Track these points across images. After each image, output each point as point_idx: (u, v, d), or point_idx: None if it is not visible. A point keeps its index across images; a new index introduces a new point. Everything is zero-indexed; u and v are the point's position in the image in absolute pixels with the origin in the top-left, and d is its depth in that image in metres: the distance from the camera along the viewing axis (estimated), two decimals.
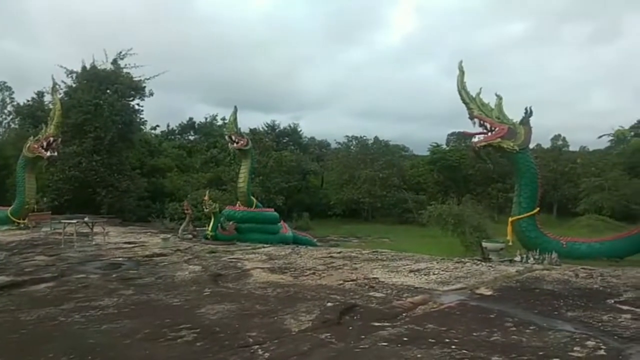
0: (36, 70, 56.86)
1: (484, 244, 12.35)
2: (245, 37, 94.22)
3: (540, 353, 3.76)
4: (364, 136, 46.92)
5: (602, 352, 3.81)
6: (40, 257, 9.78)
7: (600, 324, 4.65)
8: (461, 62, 13.73)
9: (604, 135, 43.54)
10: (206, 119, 48.91)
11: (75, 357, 3.78)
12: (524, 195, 13.35)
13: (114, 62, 28.92)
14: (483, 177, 40.27)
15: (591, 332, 4.35)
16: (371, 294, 6.14)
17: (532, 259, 10.51)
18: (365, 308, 5.33)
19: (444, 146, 47.23)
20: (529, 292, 6.33)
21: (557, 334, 4.30)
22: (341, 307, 5.33)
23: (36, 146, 18.41)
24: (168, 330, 4.45)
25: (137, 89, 29.12)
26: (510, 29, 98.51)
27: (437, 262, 9.04)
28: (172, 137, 47.65)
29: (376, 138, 46.14)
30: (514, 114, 13.45)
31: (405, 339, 4.15)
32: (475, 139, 13.74)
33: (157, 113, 62.44)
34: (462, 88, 13.55)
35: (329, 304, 5.47)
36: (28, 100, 34.14)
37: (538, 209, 13.51)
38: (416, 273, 7.82)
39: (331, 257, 9.89)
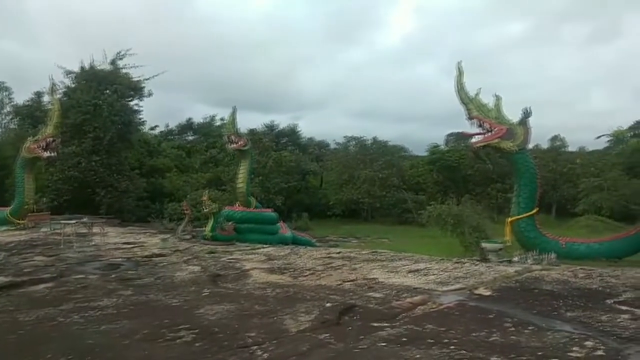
0: (35, 71, 56.77)
1: (483, 245, 12.37)
2: (245, 37, 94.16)
3: (539, 353, 3.76)
4: (363, 136, 46.93)
5: (600, 352, 3.81)
6: (39, 257, 9.77)
7: (599, 324, 4.65)
8: (460, 62, 13.77)
9: (603, 135, 43.60)
10: (205, 119, 48.94)
11: (74, 357, 3.78)
12: (523, 196, 13.38)
13: (113, 62, 28.92)
14: (482, 178, 40.28)
15: (590, 333, 4.35)
16: (370, 294, 6.13)
17: (531, 259, 10.53)
18: (364, 308, 5.33)
19: (443, 146, 47.22)
20: (528, 292, 6.33)
21: (556, 334, 4.31)
22: (340, 307, 5.33)
23: (35, 146, 18.40)
24: (167, 331, 4.44)
25: (136, 89, 29.11)
26: (509, 29, 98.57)
27: (436, 263, 9.04)
28: (171, 137, 47.61)
29: (375, 138, 46.15)
30: (513, 115, 13.49)
31: (404, 339, 4.15)
32: (474, 140, 13.77)
33: (156, 113, 62.35)
34: (460, 89, 13.58)
35: (328, 305, 5.47)
36: (27, 101, 34.14)
37: (537, 209, 13.54)
38: (415, 273, 7.82)
39: (330, 257, 9.88)
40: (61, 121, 20.07)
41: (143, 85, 29.21)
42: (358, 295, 6.02)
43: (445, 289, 6.55)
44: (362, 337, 4.22)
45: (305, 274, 7.73)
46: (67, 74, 28.59)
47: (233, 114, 18.66)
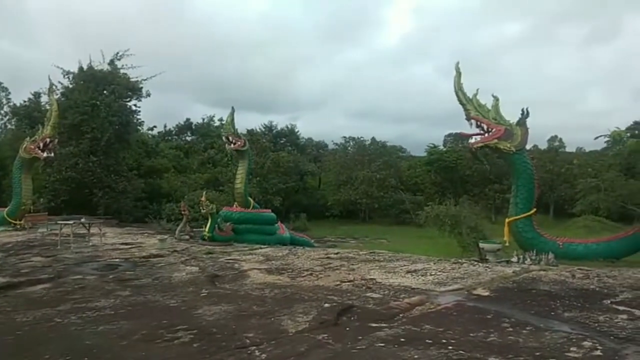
0: (33, 71, 56.77)
1: (481, 245, 12.36)
2: (243, 38, 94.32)
3: (537, 354, 3.76)
4: (361, 137, 47.06)
5: (598, 352, 3.82)
6: (36, 258, 9.76)
7: (596, 325, 4.66)
8: (458, 63, 13.78)
9: (601, 136, 43.44)
10: (203, 119, 48.96)
11: (71, 358, 3.77)
12: (521, 196, 13.39)
13: (111, 62, 28.91)
14: (480, 178, 40.36)
15: (588, 333, 4.36)
16: (368, 294, 6.14)
17: (528, 259, 10.53)
18: (362, 309, 5.33)
19: (441, 147, 47.31)
20: (526, 292, 6.34)
21: (554, 334, 4.31)
22: (338, 308, 5.33)
23: (33, 147, 18.36)
24: (165, 332, 4.44)
25: (134, 90, 29.09)
26: (507, 29, 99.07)
27: (434, 263, 9.04)
28: (169, 137, 47.61)
29: (373, 139, 46.27)
30: (511, 115, 13.51)
31: (402, 339, 4.15)
32: (472, 140, 13.78)
33: (154, 114, 62.52)
34: (459, 89, 13.59)
35: (326, 305, 5.47)
36: (25, 101, 34.07)
37: (535, 209, 13.55)
38: (413, 274, 7.82)
39: (328, 258, 9.88)
40: (59, 122, 20.03)
41: (141, 85, 29.23)
42: (356, 296, 6.02)
43: (443, 289, 6.55)
44: (360, 337, 4.22)
45: (304, 275, 7.72)
46: (65, 75, 28.60)
47: (231, 114, 18.65)
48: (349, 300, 5.78)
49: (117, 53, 28.93)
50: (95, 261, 9.41)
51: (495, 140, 13.09)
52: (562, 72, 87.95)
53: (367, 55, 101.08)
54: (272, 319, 4.91)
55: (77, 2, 77.09)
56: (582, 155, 45.84)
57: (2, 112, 38.76)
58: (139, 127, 33.26)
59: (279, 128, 49.44)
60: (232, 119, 18.52)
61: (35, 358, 3.80)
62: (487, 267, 8.85)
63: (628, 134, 42.02)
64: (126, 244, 12.75)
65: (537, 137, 43.50)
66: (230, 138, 18.02)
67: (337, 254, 10.72)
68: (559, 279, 7.34)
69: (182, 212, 17.23)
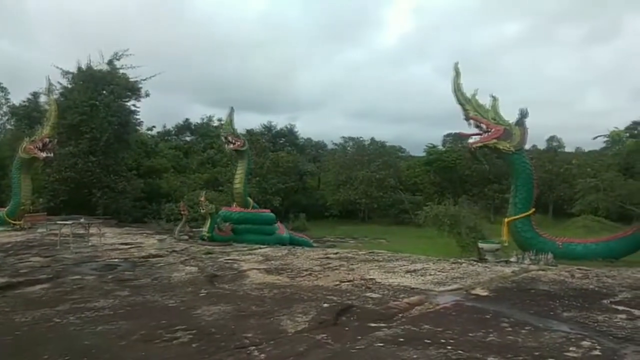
0: (32, 71, 56.74)
1: (480, 245, 12.38)
2: (242, 38, 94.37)
3: (536, 353, 3.76)
4: (361, 137, 47.08)
5: (597, 352, 3.82)
6: (35, 258, 9.75)
7: (595, 324, 4.66)
8: (457, 63, 13.80)
9: (599, 136, 43.43)
10: (202, 119, 49.01)
11: (70, 358, 3.77)
12: (520, 196, 13.41)
13: (110, 62, 28.92)
14: (479, 178, 40.40)
15: (587, 333, 4.36)
16: (367, 294, 6.13)
17: (528, 259, 10.55)
18: (361, 309, 5.33)
19: (440, 147, 47.34)
20: (525, 292, 6.34)
21: (553, 334, 4.31)
22: (337, 307, 5.33)
23: (32, 147, 18.36)
24: (164, 332, 4.44)
25: (133, 90, 29.11)
26: (506, 30, 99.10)
27: (434, 263, 9.05)
28: (169, 137, 47.60)
29: (372, 139, 46.29)
30: (510, 115, 13.53)
31: (401, 339, 4.15)
32: (471, 140, 13.80)
33: (153, 114, 62.45)
34: (457, 89, 13.61)
35: (326, 305, 5.46)
36: (24, 101, 34.06)
37: (534, 209, 13.58)
38: (412, 274, 7.82)
39: (328, 258, 9.88)
40: (58, 122, 20.03)
41: (140, 85, 29.27)
42: (355, 296, 6.02)
43: (442, 289, 6.55)
44: (359, 337, 4.22)
45: (303, 275, 7.72)
46: (64, 75, 28.61)
47: (231, 114, 18.66)
48: (348, 300, 5.78)
49: (116, 53, 28.97)
50: (94, 261, 9.40)
51: (494, 140, 13.11)
52: (561, 72, 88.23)
53: (366, 55, 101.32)
54: (271, 319, 4.91)
55: (76, 2, 77.11)
56: (581, 155, 45.83)
57: (1, 112, 38.76)
58: (138, 127, 33.28)
59: (278, 128, 49.52)
60: (231, 119, 18.53)
61: (34, 358, 3.79)
62: (486, 267, 8.85)
63: (627, 134, 42.03)
64: (125, 244, 12.74)
65: (536, 137, 43.63)
66: (230, 138, 18.02)
67: (336, 254, 10.72)
68: (558, 278, 7.34)
69: (182, 212, 17.25)
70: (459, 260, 9.84)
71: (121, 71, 29.06)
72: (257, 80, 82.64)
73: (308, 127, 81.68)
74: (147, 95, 29.88)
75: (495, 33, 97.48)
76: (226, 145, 18.51)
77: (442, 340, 4.10)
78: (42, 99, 31.34)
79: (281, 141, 48.51)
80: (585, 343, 4.03)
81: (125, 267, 8.72)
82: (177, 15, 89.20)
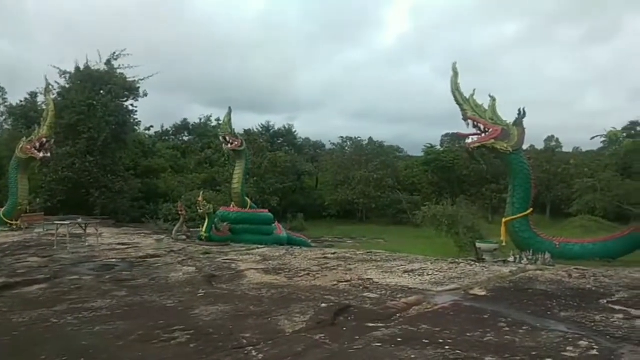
0: (31, 71, 56.63)
1: (478, 245, 12.38)
2: (240, 37, 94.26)
3: (534, 353, 3.77)
4: (359, 137, 47.10)
5: (594, 352, 3.83)
6: (33, 258, 9.73)
7: (593, 324, 4.67)
8: (455, 63, 13.79)
9: (597, 136, 43.72)
10: (200, 119, 48.97)
11: (68, 359, 3.76)
12: (518, 196, 13.41)
13: (108, 62, 28.91)
14: (477, 178, 40.46)
15: (584, 332, 4.37)
16: (365, 294, 6.14)
17: (525, 259, 10.56)
18: (359, 309, 5.34)
19: (438, 147, 47.40)
20: (523, 292, 6.35)
21: (550, 334, 4.32)
22: (335, 308, 5.33)
23: (29, 147, 18.32)
24: (161, 332, 4.43)
25: (131, 90, 29.09)
26: (504, 30, 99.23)
27: (431, 263, 9.06)
28: (166, 137, 47.56)
29: (370, 139, 46.31)
30: (508, 115, 13.54)
31: (399, 339, 4.16)
32: (469, 140, 13.79)
33: (151, 114, 62.43)
34: (456, 89, 13.61)
35: (323, 305, 5.47)
36: (21, 101, 34.03)
37: (531, 209, 13.58)
38: (410, 274, 7.83)
39: (325, 258, 9.88)
40: (55, 122, 20.01)
41: (138, 85, 29.25)
42: (353, 296, 6.02)
43: (440, 289, 6.56)
44: (357, 337, 4.22)
45: (301, 275, 7.72)
46: (61, 74, 28.58)
47: (229, 114, 18.64)
48: (346, 300, 5.78)
49: (114, 53, 28.96)
50: (91, 261, 9.38)
51: (492, 141, 13.11)
52: (560, 72, 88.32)
53: (365, 55, 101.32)
54: (269, 319, 4.90)
55: (76, 2, 76.97)
56: (578, 155, 45.97)
57: None
58: (135, 127, 33.27)
59: (276, 128, 49.51)
60: (229, 119, 18.51)
61: (32, 358, 3.79)
62: (484, 267, 8.86)
63: (624, 134, 42.22)
64: (123, 244, 12.73)
65: (534, 137, 43.63)
66: (228, 138, 18.00)
67: (334, 254, 10.73)
68: (556, 278, 7.36)
69: (179, 212, 17.21)
70: (457, 260, 9.85)
71: (119, 71, 29.07)
72: (255, 80, 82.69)
73: (306, 127, 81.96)
74: (145, 95, 29.93)
75: (494, 33, 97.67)
76: (224, 145, 18.48)
77: (440, 340, 4.10)
78: (40, 98, 31.33)
79: (279, 141, 48.52)
80: (583, 343, 4.03)
81: (122, 267, 8.71)
82: (176, 15, 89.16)
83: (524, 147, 14.31)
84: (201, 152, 41.47)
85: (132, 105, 29.86)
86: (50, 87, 23.44)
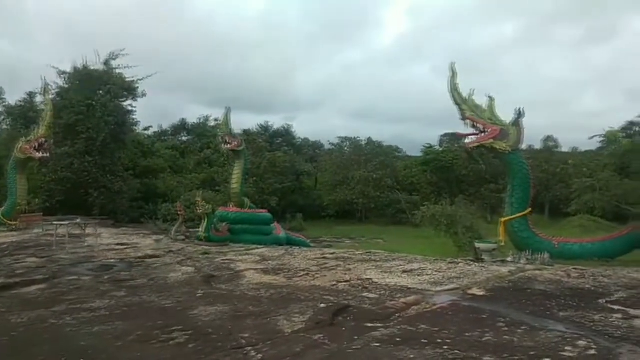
0: (28, 71, 56.52)
1: (477, 245, 12.40)
2: (239, 37, 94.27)
3: (532, 353, 3.77)
4: (358, 137, 47.05)
5: (593, 351, 3.83)
6: (31, 259, 9.72)
7: (591, 324, 4.67)
8: (453, 63, 13.82)
9: (595, 136, 43.76)
10: (199, 119, 48.87)
11: (66, 359, 3.76)
12: (516, 196, 13.44)
13: (106, 62, 28.84)
14: (476, 178, 40.44)
15: (582, 332, 4.37)
16: (364, 294, 6.14)
17: (524, 259, 10.57)
18: (358, 309, 5.34)
19: (437, 147, 47.36)
20: (521, 292, 6.36)
21: (549, 334, 4.32)
22: (334, 308, 5.33)
23: (28, 147, 18.31)
24: (160, 332, 4.43)
25: (130, 90, 29.04)
26: (502, 30, 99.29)
27: (430, 263, 9.06)
28: (165, 138, 47.48)
29: (369, 139, 46.26)
30: (506, 115, 13.56)
31: (398, 339, 4.16)
32: (468, 140, 13.83)
33: (149, 114, 62.48)
34: (454, 89, 13.63)
35: (322, 305, 5.47)
36: (19, 101, 33.91)
37: (530, 209, 13.61)
38: (409, 274, 7.83)
39: (325, 258, 9.88)
40: (54, 122, 20.00)
41: (137, 85, 29.17)
42: (352, 296, 6.02)
43: (439, 289, 6.56)
44: (356, 337, 4.22)
45: (300, 275, 7.72)
46: (60, 74, 28.50)
47: (227, 114, 18.64)
48: (345, 300, 5.78)
49: (112, 53, 28.88)
50: (90, 262, 9.38)
51: (491, 140, 13.14)
52: (558, 73, 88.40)
53: (364, 55, 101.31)
54: (268, 319, 4.90)
55: (76, 2, 76.88)
56: (577, 155, 45.98)
57: None
58: (134, 127, 33.22)
59: (275, 128, 49.48)
60: (228, 119, 18.51)
61: (30, 359, 3.78)
62: (483, 266, 8.86)
63: (622, 134, 42.27)
64: (122, 244, 12.71)
65: (532, 137, 43.56)
66: (226, 138, 18.01)
67: (333, 254, 10.72)
68: (555, 278, 7.36)
69: (178, 213, 17.21)
70: (456, 260, 9.85)
71: (117, 71, 29.00)
72: (254, 80, 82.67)
73: (306, 127, 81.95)
74: (144, 95, 29.86)
75: (492, 33, 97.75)
76: (223, 146, 18.50)
77: (439, 340, 4.10)
78: (38, 98, 31.24)
79: (278, 141, 48.48)
80: (581, 342, 4.04)
81: (121, 267, 8.71)
82: (176, 15, 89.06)
83: (523, 146, 14.35)
84: (200, 152, 41.43)
85: (130, 105, 29.86)
86: (49, 87, 23.46)
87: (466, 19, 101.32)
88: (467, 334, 4.30)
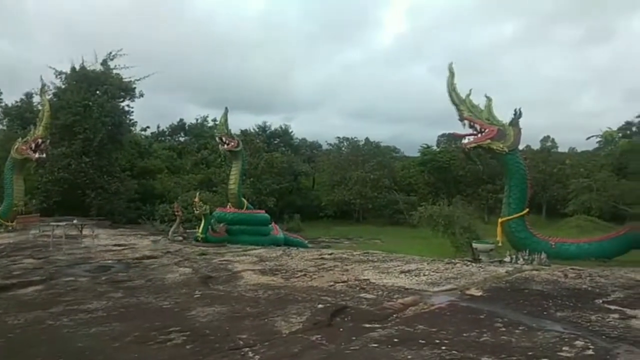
0: (25, 71, 56.39)
1: (474, 245, 12.44)
2: (237, 38, 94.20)
3: (530, 353, 3.78)
4: (355, 137, 47.10)
5: (590, 352, 3.84)
6: (28, 260, 9.69)
7: (588, 324, 4.68)
8: (451, 63, 13.85)
9: (593, 136, 43.98)
10: (197, 120, 48.86)
11: None
12: (514, 196, 13.46)
13: (104, 63, 28.80)
14: (473, 178, 40.52)
15: (580, 332, 4.38)
16: (362, 295, 6.14)
17: (521, 259, 10.60)
18: (356, 309, 5.33)
19: (435, 147, 47.43)
20: (519, 292, 6.37)
21: (546, 334, 4.33)
22: (332, 308, 5.33)
23: (24, 148, 18.26)
24: (157, 333, 4.42)
25: (127, 90, 29.02)
26: (501, 30, 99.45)
27: (428, 263, 9.06)
28: (163, 138, 47.44)
29: (367, 139, 46.33)
30: (504, 115, 13.59)
31: (395, 340, 4.16)
32: (466, 141, 13.84)
33: (147, 114, 62.29)
34: (452, 90, 13.65)
35: (320, 306, 5.46)
36: (16, 101, 33.86)
37: (527, 209, 13.63)
38: (407, 274, 7.83)
39: (322, 258, 9.88)
40: (51, 122, 19.94)
41: (134, 86, 29.17)
42: (350, 297, 6.02)
43: (436, 289, 6.56)
44: (353, 338, 4.22)
45: (297, 276, 7.72)
46: (57, 75, 28.48)
47: (225, 114, 18.61)
48: (343, 301, 5.78)
49: (110, 53, 28.87)
50: (87, 263, 9.35)
51: (488, 141, 13.16)
52: (557, 73, 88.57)
53: (363, 55, 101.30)
54: (266, 320, 4.90)
55: (75, 2, 76.71)
56: (574, 155, 46.16)
57: None
58: (132, 128, 33.19)
59: (272, 128, 49.46)
60: (226, 120, 18.48)
61: None
62: (480, 267, 8.87)
63: (620, 135, 42.45)
64: (119, 245, 12.69)
65: (530, 137, 43.72)
66: (224, 139, 17.98)
67: (330, 254, 10.72)
68: (552, 278, 7.37)
69: (176, 213, 17.18)
70: (453, 261, 9.86)
71: (115, 71, 28.99)
72: (252, 81, 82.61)
73: (303, 128, 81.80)
74: (141, 95, 29.88)
75: (491, 33, 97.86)
76: (220, 146, 18.46)
77: (437, 341, 4.10)
78: (35, 99, 31.20)
79: (276, 141, 48.49)
80: (579, 343, 4.04)
81: (118, 268, 8.69)
82: (176, 15, 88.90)
83: (520, 147, 14.37)
84: (197, 153, 41.40)
85: (128, 105, 29.84)
86: (46, 87, 23.42)
87: (466, 19, 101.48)
88: (464, 335, 4.30)
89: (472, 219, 20.97)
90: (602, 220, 29.11)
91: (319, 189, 44.29)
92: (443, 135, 47.62)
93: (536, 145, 45.01)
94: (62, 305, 5.65)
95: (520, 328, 4.52)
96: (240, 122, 59.59)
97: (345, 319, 4.94)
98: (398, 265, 8.79)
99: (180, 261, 9.63)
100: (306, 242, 20.09)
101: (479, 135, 13.35)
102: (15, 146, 18.56)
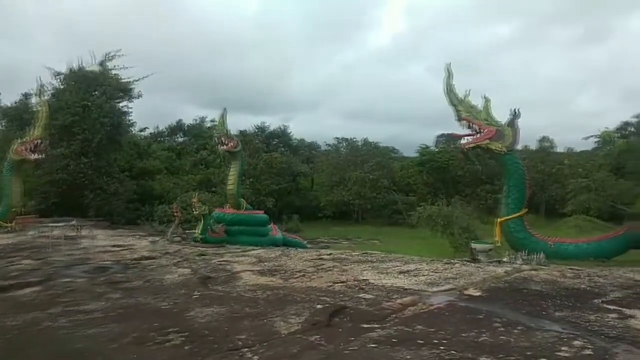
0: (23, 72, 56.18)
1: (473, 245, 12.41)
2: (235, 38, 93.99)
3: (529, 353, 3.78)
4: (354, 138, 47.06)
5: (589, 352, 3.85)
6: (26, 261, 9.68)
7: (587, 324, 4.69)
8: (449, 64, 13.84)
9: (591, 136, 44.00)
10: (195, 120, 48.77)
11: None
12: (512, 197, 13.47)
13: (102, 63, 28.76)
14: (472, 179, 40.52)
15: (578, 332, 4.39)
16: (361, 295, 6.14)
17: (520, 259, 10.59)
18: (355, 310, 5.34)
19: (433, 148, 47.41)
20: (518, 292, 6.37)
21: (545, 334, 4.34)
22: (331, 309, 5.33)
23: (23, 149, 18.24)
24: (156, 335, 4.42)
25: (126, 91, 28.98)
26: (499, 30, 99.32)
27: (427, 264, 9.07)
28: (162, 139, 47.36)
29: (366, 140, 46.26)
30: (502, 116, 13.60)
31: (394, 340, 4.16)
32: (464, 141, 13.85)
33: (146, 115, 62.07)
34: (450, 90, 13.65)
35: (319, 307, 5.46)
36: (15, 102, 33.74)
37: (526, 210, 13.64)
38: (406, 274, 7.84)
39: (321, 259, 9.88)
40: (49, 123, 19.92)
41: (133, 86, 29.10)
42: (349, 297, 6.02)
43: (435, 289, 6.57)
44: (352, 338, 4.22)
45: (296, 276, 7.72)
46: (55, 76, 28.40)
47: (224, 115, 18.60)
48: (342, 301, 5.78)
49: (108, 54, 28.81)
50: (86, 264, 9.34)
51: (487, 141, 13.17)
52: (555, 73, 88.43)
53: (360, 55, 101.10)
54: (265, 320, 4.90)
55: (75, 1, 76.56)
56: (572, 155, 46.12)
57: None
58: (130, 129, 33.10)
59: (271, 129, 49.39)
60: (225, 120, 18.46)
61: None
62: (479, 267, 8.88)
63: (618, 135, 42.50)
64: (118, 246, 12.67)
65: (528, 137, 43.67)
66: (223, 139, 17.96)
67: (330, 255, 10.72)
68: (550, 279, 7.38)
69: (175, 214, 17.17)
70: (452, 261, 9.88)
71: (113, 72, 28.94)
72: (251, 81, 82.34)
73: (302, 128, 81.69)
74: (140, 96, 29.78)
75: (489, 33, 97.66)
76: (219, 147, 18.44)
77: (435, 341, 4.11)
78: (34, 100, 31.09)
79: (275, 142, 48.43)
80: (577, 343, 4.05)
81: (117, 269, 8.68)
82: (175, 15, 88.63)
83: (518, 147, 14.38)
84: (196, 154, 41.35)
85: (126, 106, 29.78)
86: (44, 88, 23.34)
87: (464, 19, 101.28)
88: (463, 335, 4.30)
89: (471, 219, 20.93)
90: (601, 221, 29.10)
91: (318, 190, 44.23)
92: (442, 135, 47.56)
93: (535, 146, 45.06)
94: (60, 306, 5.64)
95: (519, 328, 4.52)
96: (239, 122, 59.47)
97: (345, 320, 4.94)
98: (397, 266, 8.80)
99: (179, 262, 9.62)
100: (305, 242, 20.07)
101: (478, 136, 13.36)
102: (14, 147, 18.53)
